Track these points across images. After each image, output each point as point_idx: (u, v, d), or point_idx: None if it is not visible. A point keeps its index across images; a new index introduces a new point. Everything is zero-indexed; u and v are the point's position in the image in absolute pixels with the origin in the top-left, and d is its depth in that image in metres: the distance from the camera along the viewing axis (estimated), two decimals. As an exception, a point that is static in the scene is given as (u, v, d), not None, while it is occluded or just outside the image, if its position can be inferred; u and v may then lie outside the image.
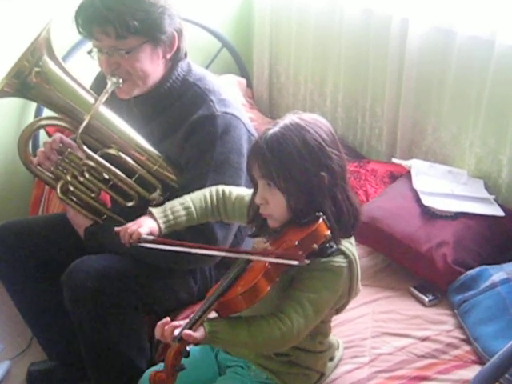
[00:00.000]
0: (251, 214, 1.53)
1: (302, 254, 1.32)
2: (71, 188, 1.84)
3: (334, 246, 1.39)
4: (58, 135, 1.87)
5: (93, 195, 1.85)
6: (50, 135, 2.57)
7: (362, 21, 2.65)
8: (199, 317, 1.32)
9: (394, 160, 2.46)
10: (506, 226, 2.12)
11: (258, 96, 3.33)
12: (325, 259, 1.39)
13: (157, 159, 1.82)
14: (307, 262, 1.32)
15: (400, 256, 2.08)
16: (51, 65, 1.74)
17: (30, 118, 2.77)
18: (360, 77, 2.75)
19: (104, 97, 1.75)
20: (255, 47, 3.25)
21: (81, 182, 1.84)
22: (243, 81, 3.23)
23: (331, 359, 1.64)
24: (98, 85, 1.88)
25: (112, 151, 1.80)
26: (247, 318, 1.37)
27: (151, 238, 1.47)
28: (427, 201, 2.14)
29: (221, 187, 1.63)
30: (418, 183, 2.23)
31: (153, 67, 1.78)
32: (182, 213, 1.57)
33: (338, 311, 1.56)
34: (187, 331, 1.29)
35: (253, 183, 1.48)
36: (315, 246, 1.35)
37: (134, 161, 1.82)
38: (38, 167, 1.86)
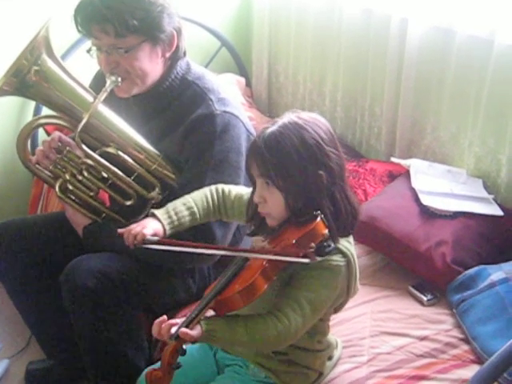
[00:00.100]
0: (250, 213, 1.53)
1: (313, 252, 1.32)
2: (70, 187, 1.84)
3: (332, 245, 1.38)
4: (56, 134, 1.87)
5: (91, 194, 1.85)
6: (48, 134, 2.57)
7: (361, 20, 2.65)
8: (196, 315, 1.32)
9: (393, 159, 2.46)
10: (504, 225, 2.12)
11: (256, 95, 3.33)
12: (323, 258, 1.39)
13: (156, 158, 1.83)
14: (318, 259, 1.33)
15: (399, 255, 2.07)
16: (50, 63, 1.74)
17: (29, 117, 2.77)
18: (359, 76, 2.75)
19: (103, 95, 1.75)
20: (254, 46, 3.26)
21: (79, 181, 1.84)
22: (242, 80, 3.23)
23: (330, 358, 1.64)
24: (97, 83, 1.88)
25: (111, 150, 1.80)
26: (244, 316, 1.37)
27: (156, 238, 1.46)
28: (426, 200, 2.14)
29: (220, 186, 1.63)
30: (416, 182, 2.23)
31: (152, 66, 1.78)
32: (186, 213, 1.56)
33: (336, 310, 1.55)
34: (184, 329, 1.29)
35: (251, 182, 1.48)
36: (313, 244, 1.35)
37: (133, 159, 1.82)
38: (37, 166, 1.86)
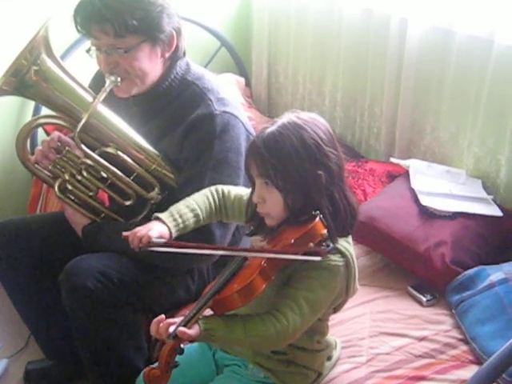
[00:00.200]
0: (249, 213, 1.53)
1: (325, 249, 1.33)
2: (69, 186, 1.84)
3: (331, 245, 1.38)
4: (56, 134, 1.87)
5: (91, 194, 1.85)
6: (48, 134, 2.57)
7: (360, 21, 2.65)
8: (194, 314, 1.32)
9: (393, 159, 2.46)
10: (504, 225, 2.12)
11: (256, 95, 3.33)
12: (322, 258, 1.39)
13: (155, 158, 1.82)
14: (329, 256, 1.36)
15: (398, 256, 2.07)
16: (49, 63, 1.74)
17: (28, 117, 2.77)
18: (359, 76, 2.75)
19: (102, 95, 1.75)
20: (254, 46, 3.26)
21: (79, 181, 1.84)
22: (242, 80, 3.23)
23: (329, 358, 1.64)
24: (97, 83, 1.88)
25: (110, 150, 1.80)
26: (243, 315, 1.37)
27: (163, 241, 1.45)
28: (425, 200, 2.14)
29: (220, 187, 1.62)
30: (416, 183, 2.23)
31: (151, 66, 1.78)
32: (190, 215, 1.55)
33: (335, 310, 1.56)
34: (182, 328, 1.29)
35: (250, 182, 1.48)
36: (311, 244, 1.35)
37: (132, 159, 1.82)
38: (36, 166, 1.86)
